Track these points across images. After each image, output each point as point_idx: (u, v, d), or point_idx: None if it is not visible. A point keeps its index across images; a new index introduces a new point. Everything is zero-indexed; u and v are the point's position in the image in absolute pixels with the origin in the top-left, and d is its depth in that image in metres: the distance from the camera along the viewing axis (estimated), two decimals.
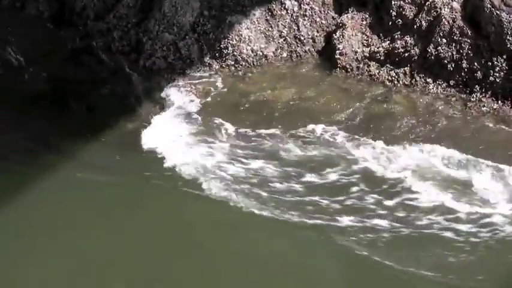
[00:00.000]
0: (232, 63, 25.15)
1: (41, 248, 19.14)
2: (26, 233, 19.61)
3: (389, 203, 19.96)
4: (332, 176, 20.88)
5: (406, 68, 24.11)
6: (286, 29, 25.49)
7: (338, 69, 24.61)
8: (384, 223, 19.45)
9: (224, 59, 25.18)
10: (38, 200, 20.52)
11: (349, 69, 24.58)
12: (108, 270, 18.63)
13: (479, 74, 23.18)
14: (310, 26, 25.51)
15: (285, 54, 25.41)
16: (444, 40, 23.63)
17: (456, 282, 17.82)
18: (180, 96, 24.07)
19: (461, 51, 23.41)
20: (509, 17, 22.80)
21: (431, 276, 17.96)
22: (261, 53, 25.24)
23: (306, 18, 25.53)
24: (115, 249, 19.13)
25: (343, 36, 24.84)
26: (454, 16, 23.66)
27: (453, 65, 23.51)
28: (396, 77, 24.09)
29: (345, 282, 18.21)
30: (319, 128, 22.38)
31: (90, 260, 18.78)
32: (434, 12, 23.95)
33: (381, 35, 24.83)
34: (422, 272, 18.04)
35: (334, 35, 25.10)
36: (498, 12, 22.97)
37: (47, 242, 19.27)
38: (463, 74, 23.43)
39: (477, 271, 18.09)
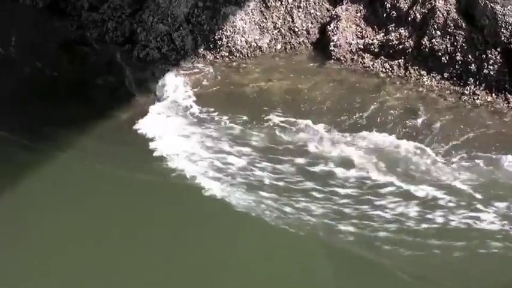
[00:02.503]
0: (227, 54, 25.12)
1: (35, 238, 19.25)
2: (21, 222, 19.74)
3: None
4: (324, 167, 20.93)
5: (400, 60, 24.08)
6: (280, 21, 25.45)
7: (332, 60, 24.57)
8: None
9: (218, 50, 25.15)
10: (32, 190, 20.57)
11: (343, 61, 24.54)
12: (102, 261, 18.70)
13: (473, 67, 23.17)
14: (305, 17, 25.47)
15: (279, 46, 25.38)
16: (438, 32, 23.61)
17: None
18: (173, 87, 24.04)
19: (455, 43, 23.38)
20: (504, 9, 22.76)
21: None
22: (255, 45, 25.20)
23: (300, 9, 25.48)
24: (109, 240, 19.21)
25: (337, 28, 24.81)
26: (448, 8, 23.63)
27: (447, 58, 23.49)
28: (390, 69, 24.07)
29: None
30: (311, 120, 22.38)
31: (84, 250, 18.86)
32: (429, 5, 23.91)
33: (376, 27, 24.79)
34: None
35: (328, 26, 25.06)
36: (492, 5, 22.93)
37: (41, 232, 19.35)
38: (457, 66, 23.41)
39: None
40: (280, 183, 20.49)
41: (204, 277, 18.22)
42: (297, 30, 25.36)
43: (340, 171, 20.69)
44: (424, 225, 19.11)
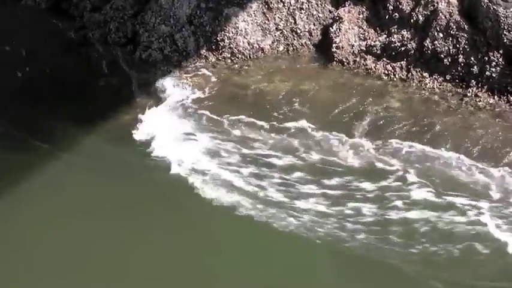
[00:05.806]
0: (229, 55, 25.11)
1: (34, 237, 19.32)
2: (21, 221, 19.79)
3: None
4: (327, 176, 21.02)
5: (402, 62, 24.09)
6: (282, 22, 25.43)
7: (334, 62, 24.59)
8: None
9: (220, 51, 25.14)
10: (32, 190, 20.65)
11: (345, 63, 24.54)
12: (99, 260, 18.79)
13: (475, 69, 23.17)
14: (307, 19, 25.46)
15: (281, 47, 25.37)
16: (441, 34, 23.60)
17: None
18: (175, 88, 24.05)
19: (457, 45, 23.39)
20: (506, 12, 22.77)
21: None
22: (257, 46, 25.19)
23: (302, 11, 25.47)
24: (107, 240, 19.26)
25: (339, 30, 24.81)
26: (451, 10, 23.63)
27: (449, 60, 23.49)
28: (392, 71, 24.07)
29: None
30: (312, 123, 22.41)
31: (81, 248, 18.93)
32: (431, 7, 23.91)
33: (378, 28, 24.79)
34: None
35: (330, 28, 25.06)
36: (495, 7, 22.94)
37: (40, 232, 19.42)
38: (459, 68, 23.41)
39: None
40: (282, 188, 20.66)
41: (204, 277, 18.31)
42: (299, 31, 25.35)
43: (346, 174, 20.84)
44: None
